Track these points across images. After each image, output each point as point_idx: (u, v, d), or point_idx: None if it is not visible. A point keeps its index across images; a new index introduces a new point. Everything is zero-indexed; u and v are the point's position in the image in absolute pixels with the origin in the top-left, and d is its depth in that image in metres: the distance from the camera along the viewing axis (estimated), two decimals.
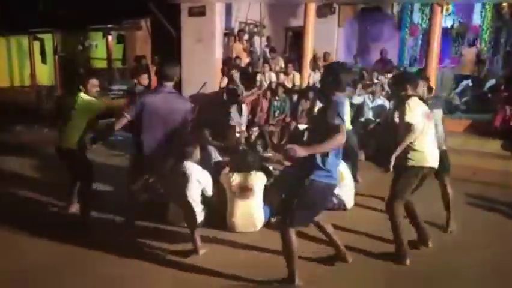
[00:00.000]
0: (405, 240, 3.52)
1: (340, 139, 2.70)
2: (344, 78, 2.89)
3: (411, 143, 3.37)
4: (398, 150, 3.39)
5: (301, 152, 2.62)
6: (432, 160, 3.49)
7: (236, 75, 6.24)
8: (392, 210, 3.48)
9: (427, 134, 3.45)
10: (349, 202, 4.66)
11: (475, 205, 4.99)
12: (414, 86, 3.55)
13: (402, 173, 3.47)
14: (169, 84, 3.28)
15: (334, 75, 2.90)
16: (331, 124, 2.71)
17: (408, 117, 3.34)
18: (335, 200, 4.52)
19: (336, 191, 4.52)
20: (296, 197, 2.89)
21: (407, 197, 3.55)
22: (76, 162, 4.00)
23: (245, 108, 7.34)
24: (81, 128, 3.90)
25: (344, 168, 4.62)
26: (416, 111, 3.37)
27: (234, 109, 6.81)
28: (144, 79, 5.69)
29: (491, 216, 4.68)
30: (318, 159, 2.81)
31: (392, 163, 3.40)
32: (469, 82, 8.88)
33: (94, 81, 4.07)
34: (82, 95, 3.99)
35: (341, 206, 4.58)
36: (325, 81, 2.99)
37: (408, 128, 3.34)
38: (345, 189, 4.61)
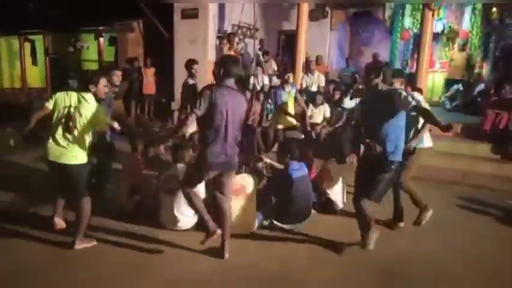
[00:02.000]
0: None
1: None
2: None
3: (416, 128, 3.91)
4: (421, 134, 3.94)
5: None
6: (429, 141, 4.15)
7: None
8: (408, 187, 4.04)
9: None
10: (339, 201, 4.69)
11: (465, 208, 5.03)
12: (402, 81, 4.02)
13: (412, 156, 3.89)
14: (231, 82, 3.31)
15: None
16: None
17: (424, 104, 3.70)
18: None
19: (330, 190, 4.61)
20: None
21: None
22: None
23: None
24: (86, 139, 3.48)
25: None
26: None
27: None
28: (116, 76, 4.70)
29: (481, 219, 4.72)
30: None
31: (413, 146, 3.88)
32: (460, 86, 8.99)
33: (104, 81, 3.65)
34: (89, 96, 3.48)
35: (333, 206, 4.62)
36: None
37: (426, 112, 3.45)
38: (336, 189, 4.64)
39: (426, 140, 4.15)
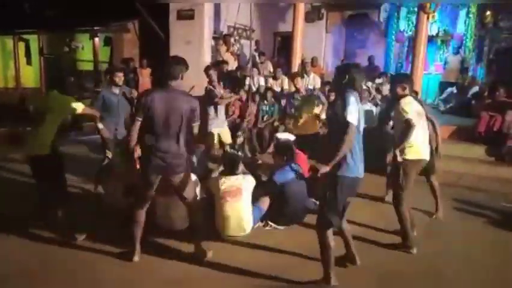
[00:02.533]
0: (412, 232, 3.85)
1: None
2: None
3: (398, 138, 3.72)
4: (401, 146, 3.69)
5: (324, 169, 2.82)
6: (425, 153, 3.87)
7: (214, 74, 6.09)
8: (399, 204, 3.75)
9: (418, 129, 3.73)
10: None
11: (461, 210, 5.05)
12: (404, 87, 3.81)
13: (401, 168, 3.73)
14: (174, 83, 3.27)
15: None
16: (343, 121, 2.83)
17: (407, 115, 3.63)
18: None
19: None
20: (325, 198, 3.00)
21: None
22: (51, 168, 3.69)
23: (221, 109, 6.45)
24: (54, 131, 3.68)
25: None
26: (411, 109, 3.69)
27: (211, 111, 6.49)
28: (118, 77, 5.21)
29: (476, 221, 4.74)
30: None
31: (398, 156, 3.69)
32: (454, 89, 9.05)
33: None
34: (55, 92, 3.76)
35: None
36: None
37: (408, 124, 3.58)
38: None
39: (421, 152, 3.83)
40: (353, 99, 2.89)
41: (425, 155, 3.88)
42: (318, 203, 4.50)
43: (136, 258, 3.42)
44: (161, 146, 3.20)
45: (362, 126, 3.04)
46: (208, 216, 4.00)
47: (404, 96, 3.78)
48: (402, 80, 3.93)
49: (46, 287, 3.13)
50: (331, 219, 2.99)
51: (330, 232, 3.04)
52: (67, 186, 4.03)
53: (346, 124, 2.82)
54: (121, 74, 5.23)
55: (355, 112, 2.86)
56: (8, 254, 3.56)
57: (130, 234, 3.40)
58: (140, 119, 3.18)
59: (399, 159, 3.71)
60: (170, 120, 3.18)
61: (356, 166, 2.95)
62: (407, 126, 3.63)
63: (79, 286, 3.16)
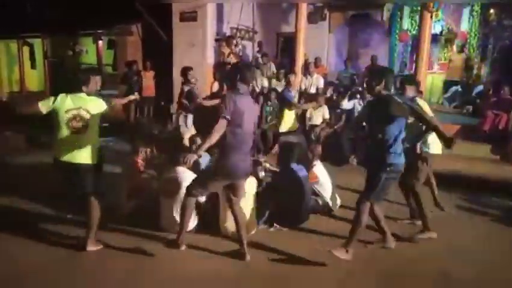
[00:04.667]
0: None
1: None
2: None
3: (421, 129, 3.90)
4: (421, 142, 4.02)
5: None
6: (437, 148, 4.17)
7: (191, 75, 6.17)
8: (417, 192, 4.05)
9: None
10: (334, 204, 4.68)
11: (465, 209, 5.03)
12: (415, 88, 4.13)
13: (422, 161, 4.08)
14: (246, 88, 3.34)
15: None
16: None
17: (429, 112, 3.75)
18: (320, 201, 4.59)
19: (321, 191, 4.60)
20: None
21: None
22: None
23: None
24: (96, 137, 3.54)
25: (320, 169, 4.72)
26: (426, 107, 3.90)
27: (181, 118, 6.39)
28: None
29: (481, 220, 4.72)
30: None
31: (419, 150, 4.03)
32: (458, 88, 9.02)
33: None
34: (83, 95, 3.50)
35: (325, 208, 4.61)
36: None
37: (432, 120, 3.58)
38: (324, 190, 4.64)
39: (435, 146, 4.17)
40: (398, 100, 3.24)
41: (438, 150, 4.20)
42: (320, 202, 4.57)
43: (183, 247, 3.52)
44: (245, 150, 3.33)
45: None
46: (213, 217, 4.01)
47: (415, 97, 3.98)
48: (413, 81, 4.23)
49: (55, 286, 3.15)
50: (371, 195, 3.35)
51: (366, 208, 3.36)
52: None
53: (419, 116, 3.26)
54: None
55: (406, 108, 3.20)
56: (16, 253, 3.58)
57: (179, 222, 3.50)
58: (228, 117, 3.17)
59: (418, 151, 4.02)
60: (250, 124, 3.31)
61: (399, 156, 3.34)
62: (431, 124, 3.59)
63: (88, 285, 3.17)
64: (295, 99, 6.75)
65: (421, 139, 4.04)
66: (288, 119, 6.93)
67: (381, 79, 3.31)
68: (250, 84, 3.41)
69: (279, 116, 7.01)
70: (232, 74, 3.37)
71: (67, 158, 3.40)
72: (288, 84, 6.71)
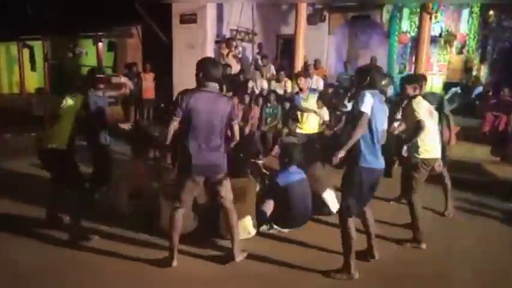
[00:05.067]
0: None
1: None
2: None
3: (419, 137, 3.76)
4: (409, 144, 3.80)
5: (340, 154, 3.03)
6: (436, 151, 3.89)
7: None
8: (412, 203, 3.82)
9: (429, 128, 3.81)
10: (333, 206, 4.66)
11: (466, 210, 5.01)
12: (416, 87, 3.94)
13: (412, 167, 3.83)
14: (212, 85, 3.27)
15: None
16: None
17: (419, 115, 3.72)
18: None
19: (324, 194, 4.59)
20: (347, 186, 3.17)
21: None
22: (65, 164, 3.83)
23: None
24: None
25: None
26: (421, 108, 3.78)
27: None
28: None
29: (482, 221, 4.72)
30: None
31: (405, 153, 3.82)
32: (458, 89, 9.03)
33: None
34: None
35: (325, 210, 4.60)
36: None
37: (418, 124, 3.67)
38: (327, 192, 4.63)
39: (427, 150, 3.85)
40: (369, 95, 3.05)
41: (437, 154, 3.91)
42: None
43: (175, 263, 3.37)
44: (207, 146, 3.21)
45: (382, 125, 3.21)
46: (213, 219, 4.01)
47: (415, 96, 3.89)
48: (413, 80, 4.05)
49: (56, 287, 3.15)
50: (350, 207, 3.15)
51: (351, 221, 3.17)
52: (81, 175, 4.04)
53: (360, 114, 3.01)
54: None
55: (369, 104, 3.02)
56: (17, 254, 3.57)
57: (168, 239, 3.37)
58: (177, 118, 3.15)
59: (404, 154, 3.83)
60: (213, 120, 3.21)
61: (372, 157, 3.10)
62: (417, 127, 3.74)
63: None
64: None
65: (407, 143, 3.83)
66: (312, 122, 6.76)
67: (366, 76, 3.24)
68: (217, 81, 3.28)
69: (300, 118, 6.87)
70: (197, 70, 3.32)
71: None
72: (301, 90, 6.72)
